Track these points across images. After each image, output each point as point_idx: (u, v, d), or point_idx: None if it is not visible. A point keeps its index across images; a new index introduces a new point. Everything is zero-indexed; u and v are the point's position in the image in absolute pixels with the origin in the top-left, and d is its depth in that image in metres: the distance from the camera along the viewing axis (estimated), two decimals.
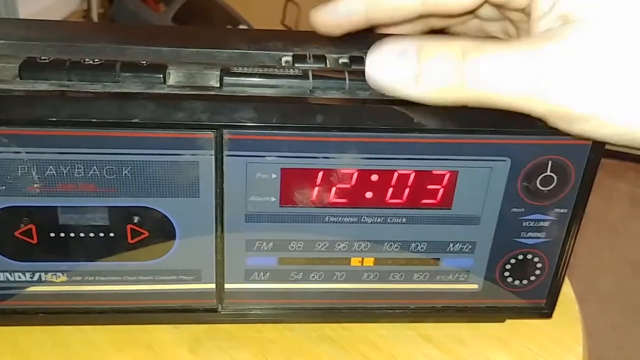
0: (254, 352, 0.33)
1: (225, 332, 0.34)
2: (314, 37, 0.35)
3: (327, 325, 0.35)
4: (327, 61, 0.32)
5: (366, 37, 0.38)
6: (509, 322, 0.36)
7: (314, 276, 0.32)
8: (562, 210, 0.31)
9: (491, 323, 0.36)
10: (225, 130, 0.27)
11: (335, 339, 0.34)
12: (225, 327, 0.34)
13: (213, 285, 0.32)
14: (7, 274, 0.30)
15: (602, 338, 1.18)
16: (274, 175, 0.29)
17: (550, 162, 0.29)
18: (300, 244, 0.31)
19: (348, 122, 0.28)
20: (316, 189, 0.30)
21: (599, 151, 0.29)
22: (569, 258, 0.32)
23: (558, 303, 0.35)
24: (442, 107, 0.29)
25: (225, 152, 0.28)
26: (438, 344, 0.34)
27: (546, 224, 0.31)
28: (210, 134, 0.27)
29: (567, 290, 0.39)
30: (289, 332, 0.34)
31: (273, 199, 0.30)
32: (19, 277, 0.30)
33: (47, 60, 0.28)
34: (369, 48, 0.33)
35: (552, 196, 0.30)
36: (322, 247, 0.31)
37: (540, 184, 0.30)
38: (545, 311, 0.34)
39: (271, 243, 0.31)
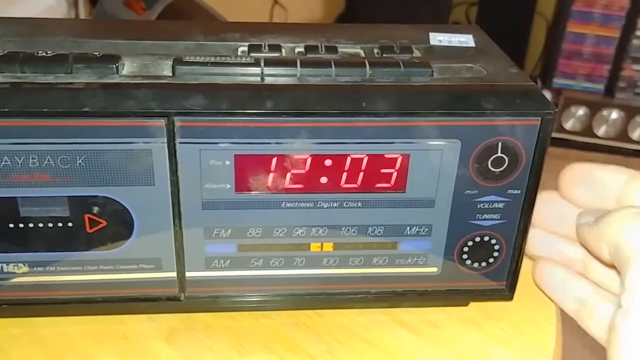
0: (231, 341, 0.33)
1: (201, 321, 0.34)
2: (272, 28, 0.36)
3: (303, 312, 0.35)
4: (283, 50, 0.32)
5: (326, 27, 0.38)
6: (482, 305, 0.36)
7: (274, 262, 0.33)
8: (515, 192, 0.31)
9: (457, 307, 0.36)
10: (176, 118, 0.28)
11: (311, 326, 0.35)
12: (201, 316, 0.35)
13: (174, 274, 0.32)
14: None
15: None
16: (227, 162, 0.29)
17: (500, 143, 0.30)
18: (259, 230, 0.31)
19: (298, 107, 0.28)
20: (271, 174, 0.30)
21: (548, 131, 0.30)
22: (526, 239, 0.33)
23: (530, 284, 0.35)
24: (391, 91, 0.29)
25: (178, 140, 0.28)
26: (412, 328, 0.35)
27: (500, 205, 0.32)
28: (161, 122, 0.28)
29: None
30: (264, 320, 0.35)
31: (228, 186, 0.30)
32: None
33: (1, 54, 0.29)
34: (325, 38, 0.34)
35: (504, 177, 0.31)
36: (280, 233, 0.32)
37: (491, 166, 0.30)
38: (506, 293, 0.34)
39: (229, 230, 0.31)
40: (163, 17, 1.01)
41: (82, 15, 1.49)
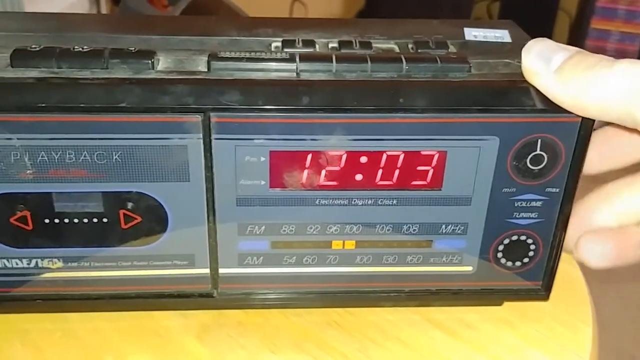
0: (262, 339, 0.33)
1: (232, 319, 0.34)
2: (304, 23, 0.36)
3: (334, 311, 0.35)
4: (317, 46, 0.32)
5: (357, 22, 0.38)
6: (516, 306, 0.35)
7: (307, 260, 0.32)
8: (553, 190, 0.31)
9: (491, 306, 0.35)
10: (212, 114, 0.28)
11: (342, 324, 0.34)
12: (232, 313, 0.34)
13: (207, 270, 0.32)
14: (4, 261, 0.31)
15: (620, 332, 1.17)
16: (262, 158, 0.29)
17: (539, 141, 0.29)
18: (292, 227, 0.31)
19: (334, 103, 0.28)
20: (305, 171, 0.30)
21: (589, 129, 0.29)
22: (563, 239, 0.32)
23: (566, 285, 0.35)
24: (428, 87, 0.29)
25: (213, 136, 0.28)
26: (444, 327, 0.34)
27: (538, 204, 0.31)
28: (197, 118, 0.28)
29: (574, 273, 0.38)
30: (295, 318, 0.34)
31: (263, 182, 0.30)
32: (16, 264, 0.31)
33: (37, 49, 0.29)
34: (358, 33, 0.34)
35: (543, 175, 0.30)
36: (314, 230, 0.31)
37: (530, 163, 0.30)
38: (542, 293, 0.34)
39: (263, 227, 0.31)
40: (187, 13, 1.01)
41: (104, 11, 1.50)
